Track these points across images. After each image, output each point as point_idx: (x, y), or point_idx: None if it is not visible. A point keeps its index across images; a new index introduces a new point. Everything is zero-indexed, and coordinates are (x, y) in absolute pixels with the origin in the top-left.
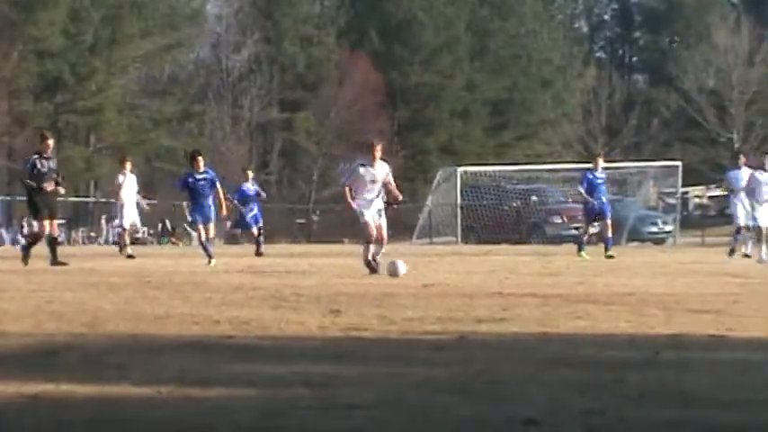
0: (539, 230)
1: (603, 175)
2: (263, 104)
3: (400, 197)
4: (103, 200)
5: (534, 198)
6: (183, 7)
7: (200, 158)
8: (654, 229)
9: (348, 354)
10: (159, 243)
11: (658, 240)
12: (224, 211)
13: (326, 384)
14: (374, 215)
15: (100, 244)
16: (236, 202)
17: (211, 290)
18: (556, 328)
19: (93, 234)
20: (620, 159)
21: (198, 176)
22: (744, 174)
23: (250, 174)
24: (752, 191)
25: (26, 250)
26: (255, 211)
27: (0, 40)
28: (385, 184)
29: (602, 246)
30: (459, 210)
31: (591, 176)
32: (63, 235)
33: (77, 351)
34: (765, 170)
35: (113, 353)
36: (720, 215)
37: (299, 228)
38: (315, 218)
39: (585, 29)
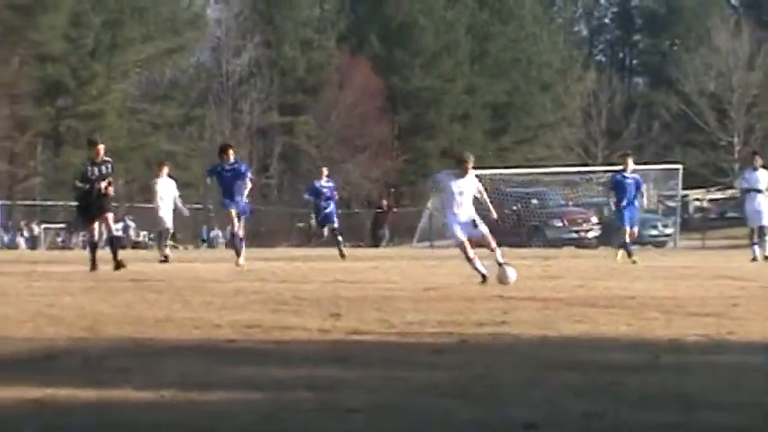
0: (539, 234)
1: (635, 176)
2: (264, 108)
3: (495, 215)
4: None
5: (534, 201)
6: (183, 12)
7: (230, 150)
8: (654, 232)
9: (349, 357)
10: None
11: (658, 243)
12: (246, 189)
13: (329, 388)
14: (468, 229)
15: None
16: (306, 197)
17: (212, 294)
18: (556, 332)
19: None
20: (620, 163)
21: (227, 167)
22: (761, 175)
23: (324, 171)
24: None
25: (92, 255)
26: (329, 209)
27: (1, 45)
28: (476, 198)
29: (611, 249)
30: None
31: (620, 177)
32: (62, 237)
33: (78, 355)
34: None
35: (114, 357)
36: (721, 218)
37: (300, 231)
38: (313, 223)
39: (585, 32)
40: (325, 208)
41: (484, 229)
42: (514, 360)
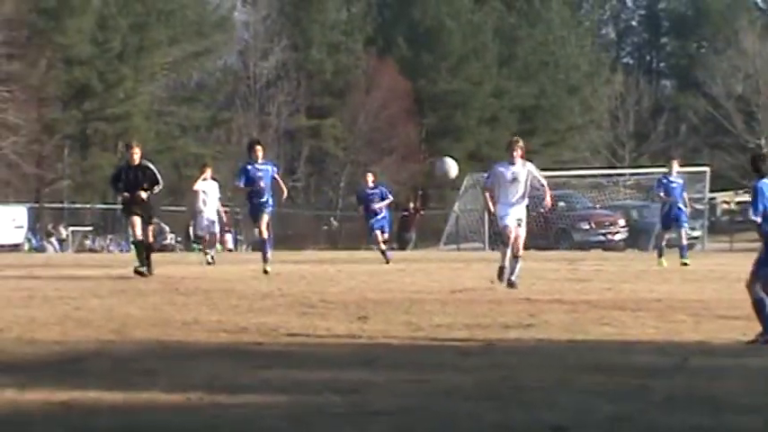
0: (566, 236)
1: (680, 180)
2: (291, 111)
3: (549, 203)
4: None
5: (562, 204)
6: (210, 14)
7: (258, 147)
8: None
9: (376, 360)
10: (189, 250)
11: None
12: (284, 193)
13: (355, 391)
14: (514, 222)
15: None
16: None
17: (239, 297)
18: (583, 335)
19: (123, 242)
20: (647, 165)
21: (258, 167)
22: None
23: (370, 176)
24: None
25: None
26: (380, 216)
27: (28, 48)
28: (532, 186)
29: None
30: (486, 216)
31: (665, 181)
32: (94, 242)
33: (106, 358)
34: None
35: (141, 359)
36: (748, 221)
37: (326, 234)
38: (335, 223)
39: (613, 35)
40: (378, 214)
41: (522, 232)
42: (541, 362)
